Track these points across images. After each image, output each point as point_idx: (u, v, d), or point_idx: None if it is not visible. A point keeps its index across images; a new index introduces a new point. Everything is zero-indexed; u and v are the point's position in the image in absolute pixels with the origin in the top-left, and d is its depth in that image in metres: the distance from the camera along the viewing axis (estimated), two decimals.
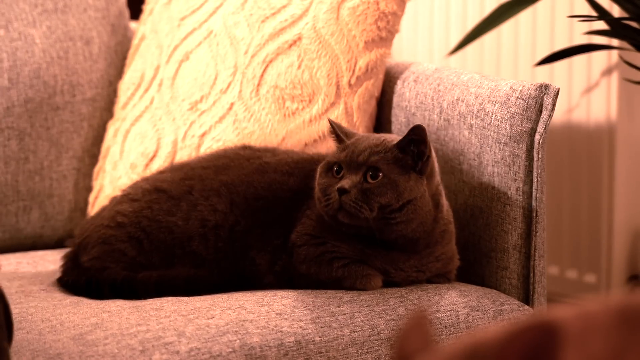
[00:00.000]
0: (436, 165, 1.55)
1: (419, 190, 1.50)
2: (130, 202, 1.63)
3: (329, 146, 1.58)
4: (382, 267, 1.54)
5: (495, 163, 1.62)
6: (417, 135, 1.49)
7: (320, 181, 1.52)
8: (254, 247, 1.56)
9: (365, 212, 1.47)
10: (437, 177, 1.55)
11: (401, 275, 1.55)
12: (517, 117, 1.61)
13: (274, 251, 1.55)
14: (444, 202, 1.58)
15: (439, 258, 1.57)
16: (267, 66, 1.82)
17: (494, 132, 1.62)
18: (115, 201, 1.67)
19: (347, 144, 1.52)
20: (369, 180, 1.48)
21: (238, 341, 1.36)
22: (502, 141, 1.61)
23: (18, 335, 1.35)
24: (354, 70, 1.79)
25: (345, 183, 1.47)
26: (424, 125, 1.49)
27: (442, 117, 1.70)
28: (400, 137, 1.51)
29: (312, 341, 1.41)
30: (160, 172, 1.68)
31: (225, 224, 1.57)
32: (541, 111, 1.60)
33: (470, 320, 1.54)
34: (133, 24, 2.14)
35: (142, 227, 1.59)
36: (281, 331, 1.40)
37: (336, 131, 1.55)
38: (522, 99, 1.61)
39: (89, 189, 2.00)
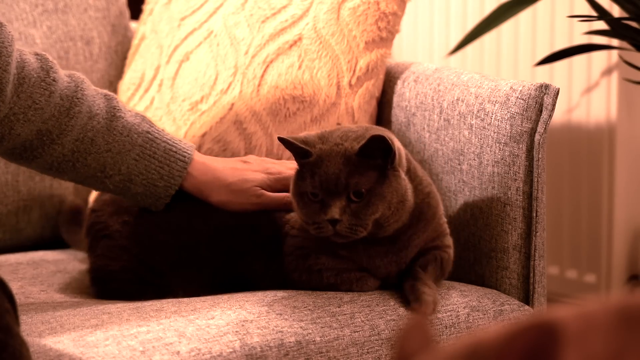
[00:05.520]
0: (400, 148, 1.48)
1: (401, 185, 1.44)
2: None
3: None
4: (366, 269, 1.52)
5: (495, 163, 1.62)
6: (377, 146, 1.41)
7: (302, 211, 1.45)
8: (250, 254, 1.55)
9: (361, 233, 1.42)
10: (404, 157, 1.48)
11: (382, 273, 1.51)
12: (517, 117, 1.61)
13: (268, 256, 1.55)
14: (420, 173, 1.51)
15: (413, 241, 1.50)
16: (267, 66, 1.82)
17: (494, 132, 1.62)
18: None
19: (312, 163, 1.43)
20: (353, 199, 1.41)
21: (238, 341, 1.36)
22: (502, 141, 1.61)
23: None
24: (354, 71, 1.79)
25: (335, 213, 1.40)
26: (383, 135, 1.40)
27: (442, 117, 1.70)
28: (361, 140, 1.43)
29: (313, 341, 1.41)
30: None
31: (224, 249, 1.57)
32: (541, 111, 1.60)
33: (471, 321, 1.54)
34: (133, 24, 2.14)
35: (144, 230, 1.59)
36: (281, 331, 1.40)
37: (296, 145, 1.43)
38: (522, 99, 1.61)
39: (89, 189, 1.99)
